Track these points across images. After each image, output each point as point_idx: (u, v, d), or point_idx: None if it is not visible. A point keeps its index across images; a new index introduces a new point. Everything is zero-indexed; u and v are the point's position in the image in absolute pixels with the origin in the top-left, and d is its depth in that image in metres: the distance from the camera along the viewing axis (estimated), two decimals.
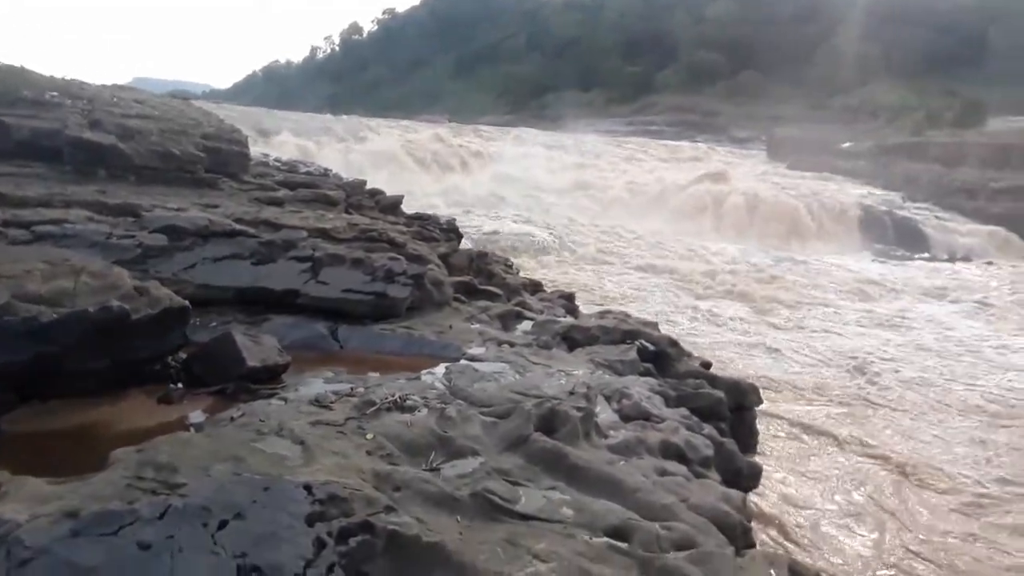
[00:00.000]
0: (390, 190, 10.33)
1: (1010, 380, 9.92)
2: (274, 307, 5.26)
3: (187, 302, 4.21)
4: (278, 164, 11.37)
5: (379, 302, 5.33)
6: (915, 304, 15.16)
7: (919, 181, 29.46)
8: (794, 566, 3.11)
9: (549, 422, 3.74)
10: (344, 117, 35.67)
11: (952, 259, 23.22)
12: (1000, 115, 38.89)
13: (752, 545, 3.51)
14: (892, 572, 5.08)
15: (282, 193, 8.05)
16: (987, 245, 24.57)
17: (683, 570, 2.75)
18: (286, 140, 23.01)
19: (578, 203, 23.25)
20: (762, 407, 7.83)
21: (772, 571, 2.97)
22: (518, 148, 31.24)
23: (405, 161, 25.19)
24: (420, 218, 8.69)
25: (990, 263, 22.98)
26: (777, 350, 10.68)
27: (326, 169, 11.95)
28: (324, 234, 6.21)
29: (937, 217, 26.19)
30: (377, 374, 4.39)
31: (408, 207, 9.87)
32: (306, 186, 8.75)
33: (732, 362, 9.95)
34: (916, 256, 23.06)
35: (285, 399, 3.81)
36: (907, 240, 24.32)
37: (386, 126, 32.74)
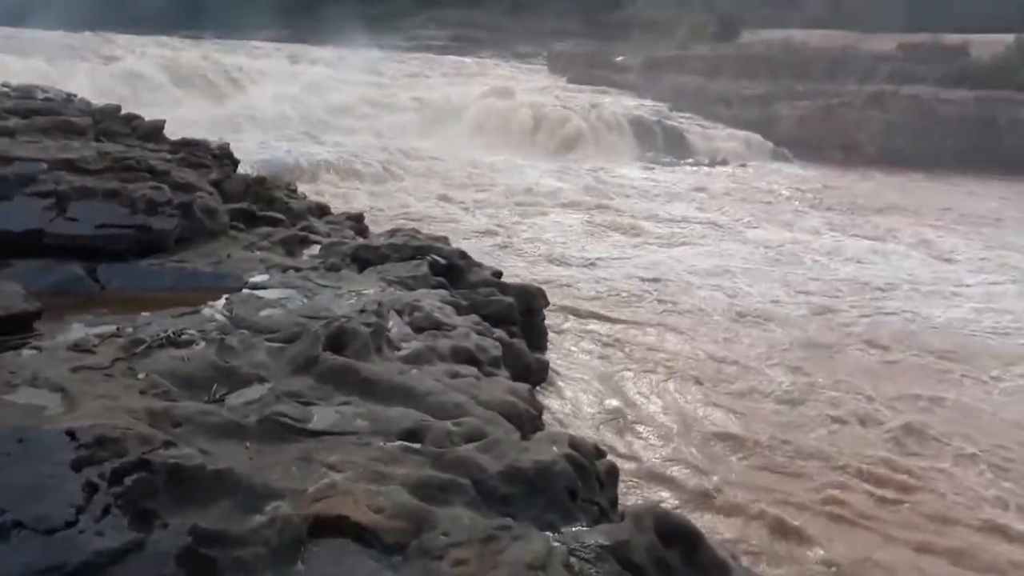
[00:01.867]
0: (151, 116, 9.33)
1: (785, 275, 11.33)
2: (15, 251, 4.65)
3: None
4: (7, 90, 9.79)
5: (142, 236, 4.91)
6: (690, 208, 16.57)
7: (684, 92, 31.89)
8: (574, 441, 3.43)
9: (339, 341, 3.73)
10: (89, 34, 31.25)
11: (713, 163, 25.71)
12: (752, 28, 42.78)
13: (540, 430, 3.81)
14: (667, 454, 5.65)
15: (13, 122, 7.00)
16: (741, 149, 27.45)
17: (473, 458, 2.93)
18: (13, 63, 19.77)
19: (362, 122, 22.54)
20: (565, 318, 8.43)
21: (555, 448, 3.26)
22: (295, 66, 29.40)
23: (167, 83, 22.77)
24: (187, 144, 7.98)
25: (744, 164, 25.78)
26: (573, 258, 11.29)
27: (69, 94, 10.49)
28: (69, 165, 5.54)
29: (700, 125, 28.64)
30: (148, 313, 4.09)
31: (173, 133, 9.00)
32: (43, 113, 7.65)
33: (531, 268, 10.41)
34: (683, 161, 25.22)
35: (39, 348, 3.45)
36: (675, 147, 26.46)
37: (143, 44, 29.23)
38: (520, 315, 5.86)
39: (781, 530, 4.64)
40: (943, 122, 27.00)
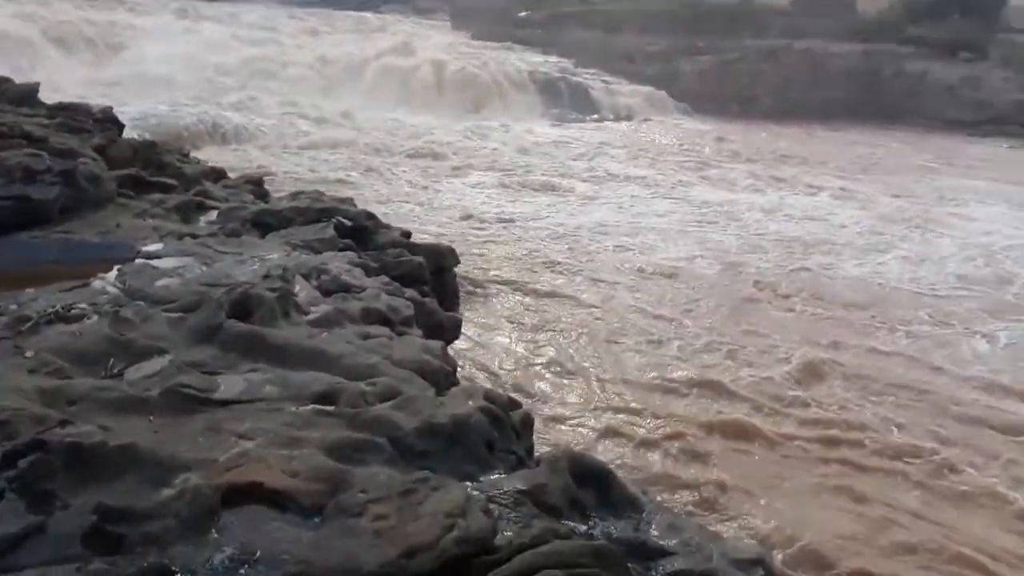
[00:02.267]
0: (22, 79, 8.61)
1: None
2: None
3: None
4: None
5: (21, 207, 4.57)
6: (602, 165, 16.75)
7: (588, 48, 32.03)
8: (489, 394, 3.48)
9: (243, 307, 3.62)
10: None
11: (618, 118, 26.07)
12: None
13: (455, 385, 3.84)
14: (579, 401, 5.83)
15: None
16: (644, 104, 27.92)
17: (388, 417, 2.93)
18: None
19: (259, 82, 21.55)
20: (480, 276, 8.44)
21: (470, 402, 3.30)
22: (183, 22, 27.70)
23: (38, 42, 21.02)
24: (65, 108, 7.43)
25: (647, 119, 26.27)
26: (489, 217, 11.28)
27: None
28: None
29: (604, 81, 28.90)
30: (33, 289, 3.83)
31: (50, 97, 8.36)
32: None
33: (446, 228, 10.34)
34: (588, 117, 25.46)
35: None
36: (580, 104, 26.65)
37: None
38: (431, 274, 5.83)
39: (688, 459, 4.89)
40: (833, 75, 28.26)
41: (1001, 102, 27.08)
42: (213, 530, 2.29)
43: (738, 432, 5.34)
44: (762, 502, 4.59)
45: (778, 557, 4.08)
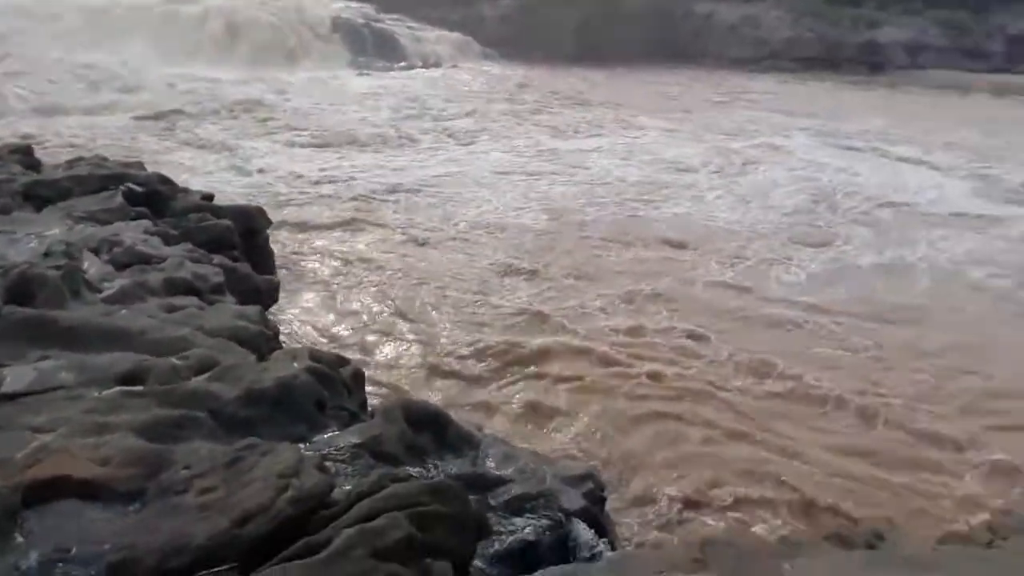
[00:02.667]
0: None
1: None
2: None
3: None
4: None
5: None
6: (418, 116, 16.33)
7: None
8: (314, 354, 3.41)
9: (23, 291, 3.25)
10: None
11: (426, 65, 25.70)
12: None
13: (278, 349, 3.72)
14: (406, 352, 5.78)
15: None
16: (451, 50, 27.72)
17: (205, 389, 2.79)
18: None
19: (17, 37, 18.80)
20: (300, 236, 8.03)
21: (295, 363, 3.21)
22: None
23: None
24: None
25: (455, 66, 26.15)
26: (305, 176, 10.72)
27: None
28: None
29: (409, 27, 28.26)
30: None
31: None
32: None
33: (260, 190, 9.72)
34: (396, 66, 24.88)
35: None
36: (386, 51, 25.94)
37: None
38: (240, 238, 5.53)
39: (521, 392, 5.11)
40: (629, 17, 29.57)
41: (776, 40, 29.82)
42: (17, 534, 2.09)
43: (568, 363, 5.60)
44: (592, 429, 4.88)
45: (605, 474, 4.39)
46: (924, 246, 9.07)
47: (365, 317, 6.28)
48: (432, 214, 9.30)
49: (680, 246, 8.65)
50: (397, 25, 27.86)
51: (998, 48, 28.05)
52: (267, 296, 4.85)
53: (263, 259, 5.71)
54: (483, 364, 5.60)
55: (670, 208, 10.21)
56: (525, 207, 9.85)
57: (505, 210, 9.69)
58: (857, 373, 5.76)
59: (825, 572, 2.32)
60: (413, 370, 5.43)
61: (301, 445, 2.66)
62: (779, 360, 5.80)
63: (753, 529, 3.99)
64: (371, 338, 5.89)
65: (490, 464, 3.35)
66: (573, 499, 3.17)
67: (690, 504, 4.16)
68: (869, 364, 5.94)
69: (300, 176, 10.68)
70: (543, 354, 5.76)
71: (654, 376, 5.52)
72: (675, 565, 2.11)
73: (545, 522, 2.97)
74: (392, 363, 5.53)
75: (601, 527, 3.21)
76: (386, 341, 5.90)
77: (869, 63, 28.71)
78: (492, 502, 3.15)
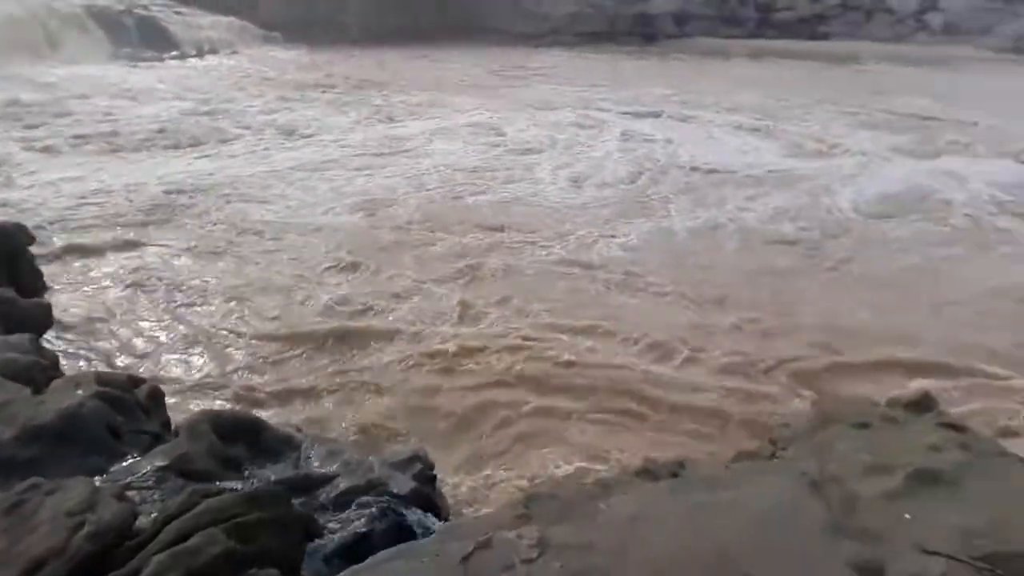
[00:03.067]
0: None
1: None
2: None
3: None
4: None
5: None
6: (207, 103, 15.15)
7: None
8: (102, 377, 3.13)
9: None
10: None
11: (201, 53, 23.96)
12: None
13: (58, 377, 3.37)
14: (207, 365, 5.38)
15: None
16: (229, 35, 26.04)
17: None
18: None
19: None
20: (77, 251, 7.14)
21: (79, 391, 2.94)
22: None
23: None
24: None
25: (235, 52, 24.65)
26: (75, 184, 9.52)
27: None
28: None
29: (177, 13, 26.14)
30: None
31: None
32: None
33: (20, 205, 8.54)
34: (167, 55, 22.97)
35: None
36: (154, 40, 23.84)
37: None
38: (2, 260, 4.90)
39: (348, 404, 5.00)
40: None
41: (558, 15, 31.03)
42: None
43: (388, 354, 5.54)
44: (414, 406, 4.89)
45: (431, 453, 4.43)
46: (735, 206, 9.52)
47: (161, 336, 5.78)
48: (232, 218, 8.53)
49: (504, 229, 8.46)
50: (162, 11, 25.67)
51: (751, 15, 31.22)
52: (39, 322, 4.34)
53: (30, 281, 5.10)
54: (297, 366, 5.41)
55: (496, 190, 10.02)
56: (336, 204, 9.23)
57: (316, 208, 9.06)
58: (675, 335, 5.97)
59: (635, 503, 2.54)
60: (219, 381, 5.11)
61: (97, 478, 2.45)
62: (603, 324, 6.04)
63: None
64: (169, 356, 5.45)
65: (314, 464, 3.28)
66: (402, 483, 3.20)
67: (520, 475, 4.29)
68: (684, 326, 6.20)
69: (75, 185, 9.51)
70: (360, 346, 5.67)
71: (466, 352, 5.61)
72: (500, 525, 2.20)
73: (376, 511, 2.97)
74: (196, 375, 5.18)
75: (434, 505, 3.27)
76: (187, 353, 5.50)
77: (643, 34, 30.83)
78: (320, 500, 3.10)
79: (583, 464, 4.42)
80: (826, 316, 6.47)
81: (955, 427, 3.15)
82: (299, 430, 3.56)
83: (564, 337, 5.91)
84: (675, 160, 11.91)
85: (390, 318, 6.18)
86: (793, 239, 8.49)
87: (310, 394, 5.05)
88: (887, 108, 16.69)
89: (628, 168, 11.32)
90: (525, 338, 5.89)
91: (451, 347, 5.68)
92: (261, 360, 5.43)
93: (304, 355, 5.57)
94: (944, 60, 25.09)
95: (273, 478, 3.09)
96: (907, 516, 2.53)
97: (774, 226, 8.91)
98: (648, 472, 2.93)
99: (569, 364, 5.49)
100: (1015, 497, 2.67)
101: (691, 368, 5.58)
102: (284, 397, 4.97)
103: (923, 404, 3.31)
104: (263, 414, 4.11)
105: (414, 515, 3.07)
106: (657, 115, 15.64)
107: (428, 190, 9.92)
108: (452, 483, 4.16)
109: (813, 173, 11.27)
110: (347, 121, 14.45)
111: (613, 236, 8.38)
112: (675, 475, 3.03)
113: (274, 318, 6.10)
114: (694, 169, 11.39)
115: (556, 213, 9.14)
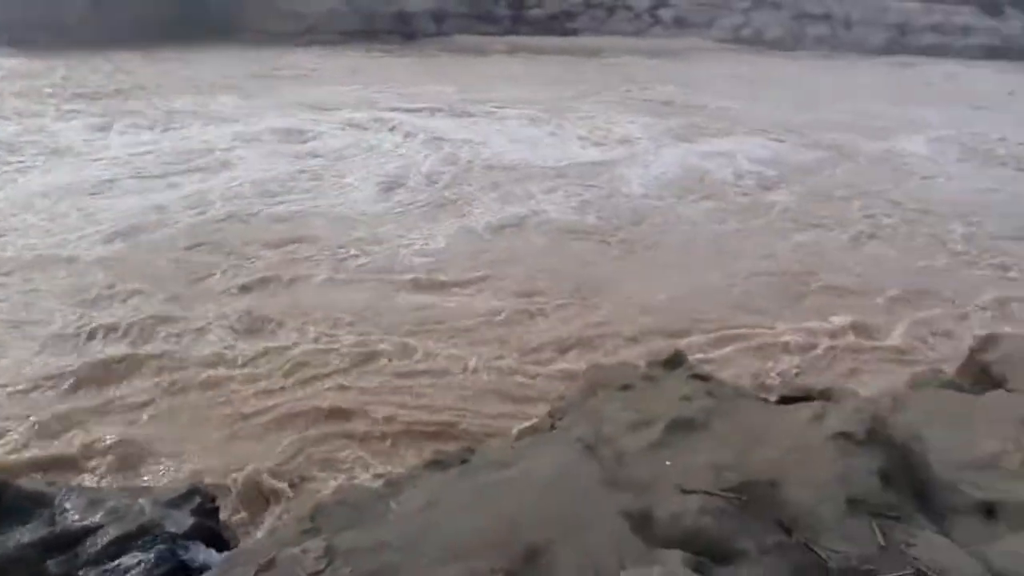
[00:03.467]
0: None
1: None
2: None
3: None
4: None
5: None
6: None
7: None
8: None
9: None
10: None
11: None
12: None
13: None
14: None
15: None
16: None
17: None
18: None
19: None
20: None
21: None
22: None
23: None
24: None
25: None
26: None
27: None
28: None
29: None
30: None
31: None
32: None
33: None
34: None
35: None
36: None
37: None
38: None
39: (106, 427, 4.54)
40: None
41: (313, 13, 29.93)
42: None
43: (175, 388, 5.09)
44: (195, 445, 4.54)
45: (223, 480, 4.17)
46: (537, 200, 9.76)
47: None
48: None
49: (300, 241, 8.06)
50: None
51: (505, 12, 32.43)
52: None
53: None
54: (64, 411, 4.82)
55: (288, 202, 9.42)
56: (93, 232, 8.10)
57: (65, 239, 7.90)
58: (491, 334, 6.16)
59: (426, 495, 2.57)
60: None
61: None
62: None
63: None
64: None
65: (72, 517, 2.94)
66: (180, 521, 2.98)
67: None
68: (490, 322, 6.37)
69: None
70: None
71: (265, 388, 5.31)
72: (285, 542, 2.13)
73: (153, 556, 2.75)
74: None
75: (218, 537, 3.08)
76: None
77: (402, 32, 30.87)
78: (85, 557, 2.79)
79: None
80: (623, 297, 6.95)
81: (702, 377, 3.55)
82: (51, 484, 3.17)
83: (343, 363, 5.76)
84: (478, 158, 11.97)
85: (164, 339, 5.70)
86: (592, 229, 8.90)
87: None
88: (643, 97, 18.19)
89: (431, 168, 11.16)
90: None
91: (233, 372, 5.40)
92: (24, 411, 4.78)
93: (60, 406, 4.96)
94: (677, 52, 27.88)
95: (24, 540, 2.73)
96: (667, 463, 2.82)
97: (577, 217, 9.28)
98: (438, 463, 2.99)
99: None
100: (754, 432, 3.07)
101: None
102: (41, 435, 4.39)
103: (676, 360, 3.70)
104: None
105: (198, 552, 2.87)
106: (448, 113, 15.56)
107: (212, 207, 9.07)
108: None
109: (607, 161, 11.97)
110: (96, 132, 12.88)
111: (418, 240, 8.24)
112: (465, 461, 3.12)
113: (36, 354, 5.45)
114: (495, 167, 11.49)
115: (354, 220, 8.80)
